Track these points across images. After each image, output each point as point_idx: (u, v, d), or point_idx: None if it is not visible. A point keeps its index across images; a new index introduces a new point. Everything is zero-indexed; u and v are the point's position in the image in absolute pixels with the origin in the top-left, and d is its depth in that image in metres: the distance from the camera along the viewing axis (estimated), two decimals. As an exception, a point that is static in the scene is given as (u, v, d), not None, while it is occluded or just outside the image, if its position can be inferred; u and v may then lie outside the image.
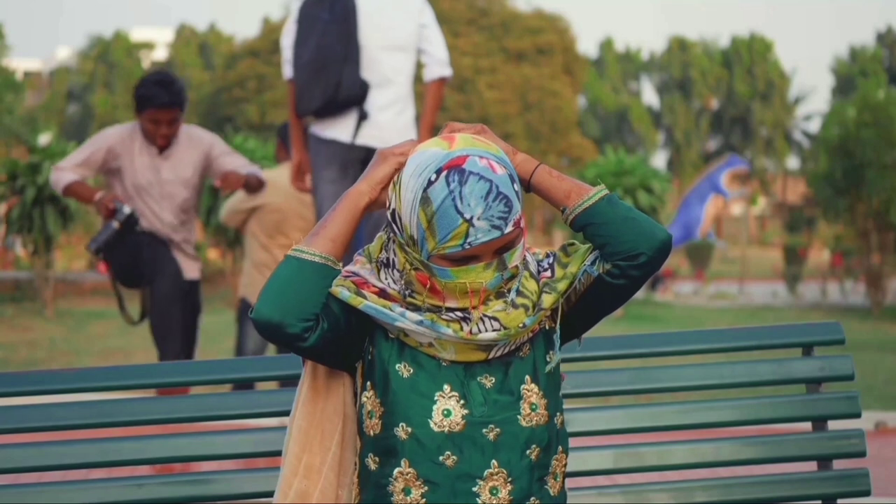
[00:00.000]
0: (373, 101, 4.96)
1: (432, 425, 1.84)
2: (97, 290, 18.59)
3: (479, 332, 1.84)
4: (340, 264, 1.90)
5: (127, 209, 5.04)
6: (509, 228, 1.80)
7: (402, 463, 1.84)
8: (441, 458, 1.84)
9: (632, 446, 2.34)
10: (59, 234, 15.65)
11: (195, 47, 53.17)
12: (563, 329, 1.96)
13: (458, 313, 1.84)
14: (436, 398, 1.86)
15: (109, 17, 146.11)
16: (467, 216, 1.78)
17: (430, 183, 1.80)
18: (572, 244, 1.96)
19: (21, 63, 55.42)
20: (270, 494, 2.22)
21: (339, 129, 4.99)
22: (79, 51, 55.87)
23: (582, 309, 1.95)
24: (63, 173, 5.17)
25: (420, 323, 1.83)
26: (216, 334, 13.13)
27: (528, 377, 1.90)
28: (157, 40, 57.04)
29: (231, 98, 39.65)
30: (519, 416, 1.87)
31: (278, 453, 2.23)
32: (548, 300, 1.88)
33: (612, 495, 2.30)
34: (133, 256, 5.14)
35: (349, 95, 4.91)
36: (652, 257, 1.87)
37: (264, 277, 6.35)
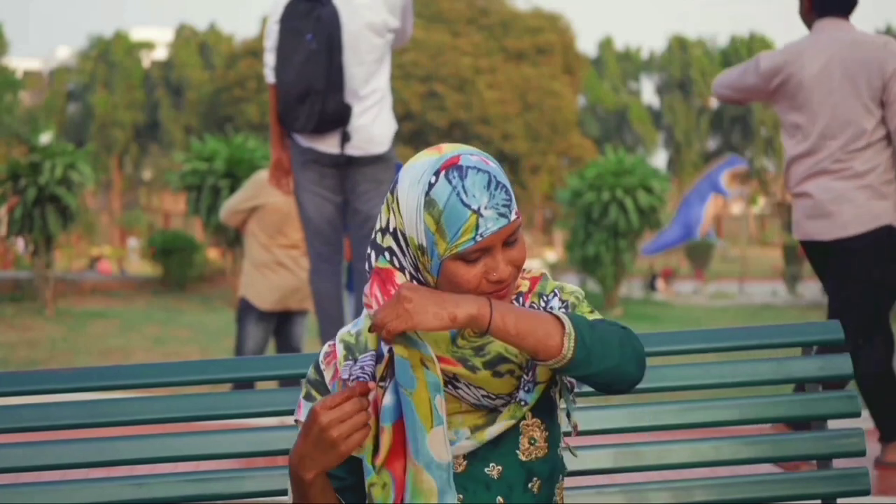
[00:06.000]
0: (353, 117, 5.00)
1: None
2: (97, 290, 18.61)
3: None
4: None
5: None
6: (513, 217, 1.81)
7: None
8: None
9: (631, 445, 2.34)
10: (59, 234, 15.67)
11: (195, 47, 53.17)
12: None
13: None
14: None
15: (109, 17, 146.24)
16: (475, 207, 1.78)
17: (431, 186, 1.80)
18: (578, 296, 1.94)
19: (21, 63, 55.43)
20: (270, 494, 2.22)
21: (318, 142, 5.03)
22: (79, 51, 55.88)
23: None
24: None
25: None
26: (216, 334, 13.14)
27: (528, 413, 1.89)
28: (157, 40, 57.03)
29: (231, 98, 39.67)
30: (518, 451, 1.87)
31: (278, 453, 2.23)
32: (543, 373, 1.87)
33: (611, 494, 2.30)
34: None
35: (332, 121, 4.96)
36: (622, 389, 1.87)
37: (264, 277, 6.36)
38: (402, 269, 1.86)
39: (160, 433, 2.27)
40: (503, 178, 1.82)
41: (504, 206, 1.79)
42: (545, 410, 1.90)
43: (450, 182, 1.79)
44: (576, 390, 1.92)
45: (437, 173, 1.80)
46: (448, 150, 1.85)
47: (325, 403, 1.74)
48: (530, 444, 1.88)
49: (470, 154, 1.83)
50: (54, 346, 11.86)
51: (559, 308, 1.91)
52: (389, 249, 1.86)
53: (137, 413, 2.26)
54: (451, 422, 1.85)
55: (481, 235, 1.78)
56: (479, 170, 1.80)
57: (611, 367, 1.82)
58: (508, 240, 1.82)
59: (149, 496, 2.20)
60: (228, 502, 2.25)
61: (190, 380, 2.29)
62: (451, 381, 1.84)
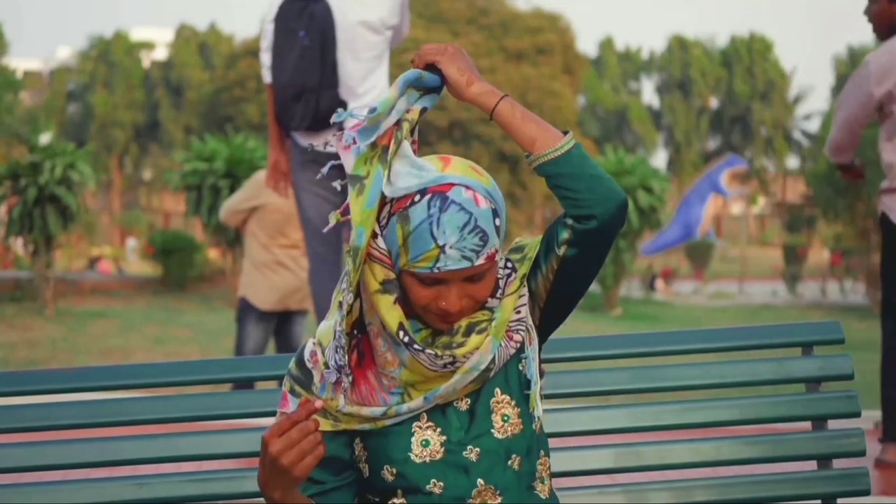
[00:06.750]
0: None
1: (413, 458, 1.87)
2: (97, 290, 18.59)
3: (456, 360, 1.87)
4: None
5: None
6: (480, 261, 1.82)
7: (398, 493, 1.88)
8: (428, 486, 1.86)
9: (632, 445, 2.34)
10: (59, 234, 15.66)
11: (195, 47, 53.14)
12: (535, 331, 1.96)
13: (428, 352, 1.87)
14: (413, 430, 1.88)
15: (109, 17, 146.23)
16: (440, 243, 1.79)
17: (413, 203, 1.82)
18: (521, 246, 1.97)
19: (21, 63, 55.39)
20: (270, 494, 2.22)
21: (317, 141, 5.03)
22: (79, 51, 55.84)
23: (553, 302, 1.94)
24: None
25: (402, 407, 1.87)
26: (216, 334, 13.14)
27: (497, 390, 1.91)
28: (157, 40, 56.98)
29: (231, 98, 39.63)
30: (493, 430, 1.88)
31: (278, 453, 2.23)
32: (513, 286, 1.91)
33: (612, 494, 2.30)
34: None
35: (328, 118, 4.96)
36: (610, 215, 1.86)
37: (264, 277, 6.36)
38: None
39: (161, 433, 2.27)
40: (486, 223, 1.81)
41: (472, 250, 1.80)
42: (515, 388, 1.92)
43: (429, 208, 1.80)
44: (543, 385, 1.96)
45: (423, 192, 1.82)
46: (451, 170, 1.84)
47: (273, 431, 1.76)
48: (504, 421, 1.89)
49: (465, 188, 1.82)
50: (54, 346, 11.86)
51: (505, 264, 1.94)
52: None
53: (138, 413, 2.26)
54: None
55: (438, 269, 1.80)
56: (461, 208, 1.80)
57: (602, 176, 1.86)
58: (472, 277, 1.84)
59: (150, 496, 2.20)
60: (229, 502, 2.25)
61: (190, 380, 2.29)
62: (448, 364, 1.86)
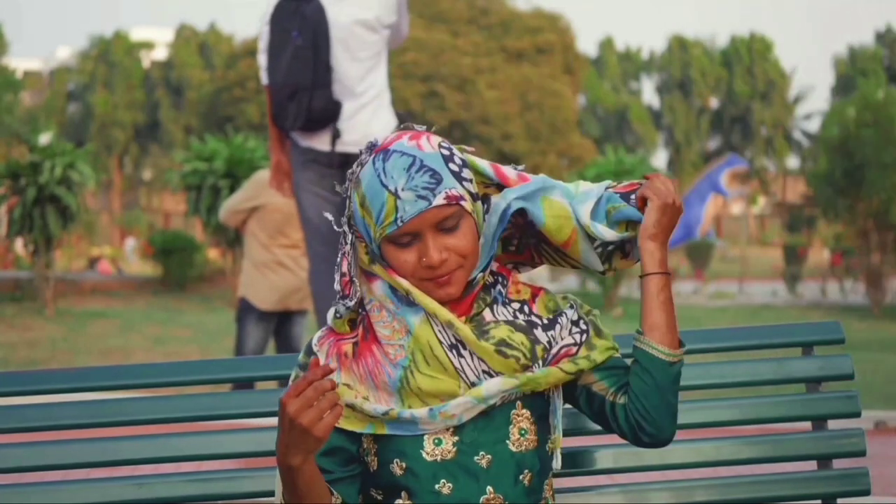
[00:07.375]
0: (345, 114, 4.99)
1: (424, 455, 1.85)
2: (97, 290, 18.59)
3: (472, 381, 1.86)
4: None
5: None
6: (439, 200, 1.80)
7: (402, 495, 1.86)
8: (437, 486, 1.84)
9: (632, 445, 2.34)
10: (59, 234, 15.66)
11: (195, 47, 53.12)
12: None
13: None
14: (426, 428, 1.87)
15: (109, 17, 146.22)
16: (391, 188, 1.80)
17: (361, 165, 1.86)
18: (605, 335, 1.96)
19: (21, 63, 55.37)
20: (270, 494, 2.22)
21: (315, 141, 5.04)
22: (79, 51, 55.83)
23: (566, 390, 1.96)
24: None
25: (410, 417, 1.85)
26: (216, 334, 13.14)
27: (519, 403, 1.89)
28: (157, 40, 56.95)
29: (231, 98, 39.62)
30: (508, 441, 1.87)
31: (278, 453, 2.23)
32: (568, 367, 1.91)
33: (612, 494, 2.30)
34: None
35: (321, 118, 4.96)
36: (650, 436, 1.91)
37: (264, 277, 6.36)
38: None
39: (161, 433, 2.27)
40: (434, 163, 1.81)
41: (425, 188, 1.79)
42: (536, 406, 1.91)
43: (374, 164, 1.83)
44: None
45: (370, 155, 1.85)
46: (396, 137, 1.86)
47: (289, 393, 1.73)
48: (520, 435, 1.88)
49: (408, 140, 1.84)
50: (54, 346, 11.86)
51: (577, 321, 1.94)
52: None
53: (138, 413, 2.26)
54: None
55: (402, 219, 1.80)
56: (402, 153, 1.81)
57: (674, 409, 1.91)
58: (444, 225, 1.83)
59: (150, 496, 2.20)
60: (230, 502, 2.25)
61: (190, 380, 2.29)
62: (455, 345, 1.85)
